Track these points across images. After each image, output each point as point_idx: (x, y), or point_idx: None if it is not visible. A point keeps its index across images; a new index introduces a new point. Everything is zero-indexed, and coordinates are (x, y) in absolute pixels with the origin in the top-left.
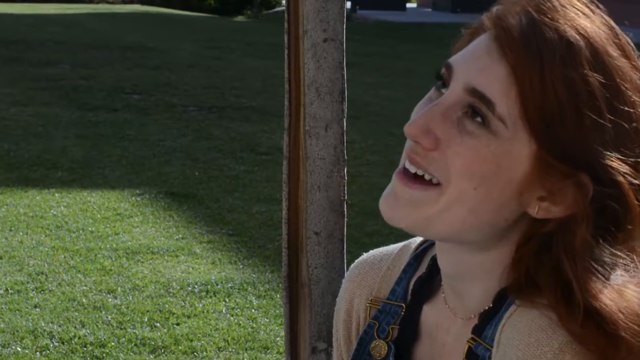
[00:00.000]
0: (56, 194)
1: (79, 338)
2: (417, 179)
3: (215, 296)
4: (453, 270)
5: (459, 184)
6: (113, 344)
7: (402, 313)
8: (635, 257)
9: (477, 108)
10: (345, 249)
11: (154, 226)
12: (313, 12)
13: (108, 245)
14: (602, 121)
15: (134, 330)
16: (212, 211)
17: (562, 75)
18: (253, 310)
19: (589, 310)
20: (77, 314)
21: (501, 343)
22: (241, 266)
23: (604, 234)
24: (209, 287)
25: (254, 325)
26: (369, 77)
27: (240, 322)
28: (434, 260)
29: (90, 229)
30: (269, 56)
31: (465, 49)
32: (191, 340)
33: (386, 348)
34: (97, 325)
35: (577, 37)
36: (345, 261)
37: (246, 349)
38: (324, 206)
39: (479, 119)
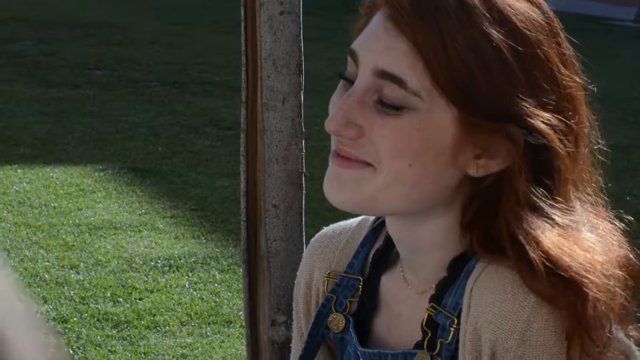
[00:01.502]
0: (18, 170)
1: (42, 314)
2: (352, 159)
3: (178, 271)
4: (406, 244)
5: (393, 165)
6: (75, 319)
7: (360, 286)
8: (579, 204)
9: (390, 89)
10: (304, 222)
11: (116, 202)
12: None
13: (71, 221)
14: (511, 72)
15: (97, 306)
16: (175, 186)
17: (462, 37)
18: (216, 285)
19: (549, 266)
20: (39, 289)
21: (472, 306)
22: (204, 241)
23: (544, 183)
24: (172, 262)
25: (217, 300)
26: (331, 52)
27: (203, 296)
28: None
29: (52, 204)
30: (232, 32)
31: (365, 30)
32: (154, 315)
33: (344, 321)
34: (59, 301)
35: None
36: (304, 234)
37: (209, 323)
38: (282, 179)
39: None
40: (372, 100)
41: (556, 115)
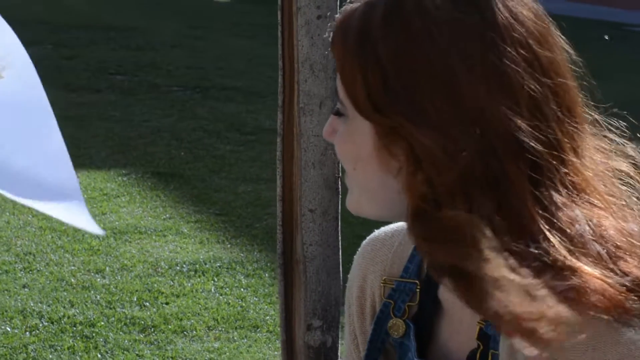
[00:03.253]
0: None
1: (68, 317)
2: None
3: (203, 275)
4: None
5: (346, 169)
6: (102, 323)
7: (417, 290)
8: None
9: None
10: (339, 226)
11: (141, 206)
12: None
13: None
14: (391, 84)
15: (123, 310)
16: (199, 191)
17: (354, 50)
18: (242, 290)
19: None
20: (65, 293)
21: None
22: (229, 245)
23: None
24: (197, 266)
25: (243, 305)
26: None
27: (230, 301)
28: None
29: None
30: (252, 36)
31: None
32: (180, 320)
33: (404, 326)
34: (86, 305)
35: (366, 8)
36: (339, 238)
37: (236, 328)
38: (318, 183)
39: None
40: (334, 112)
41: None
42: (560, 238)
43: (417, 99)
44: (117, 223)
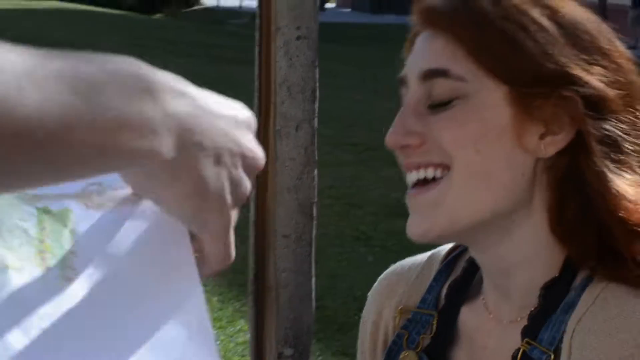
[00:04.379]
0: None
1: None
2: (425, 183)
3: None
4: (493, 265)
5: (461, 156)
6: None
7: (434, 323)
8: None
9: (437, 85)
10: (313, 253)
11: None
12: (287, 8)
13: None
14: (551, 35)
15: None
16: None
17: (494, 11)
18: None
19: None
20: None
21: (573, 347)
22: None
23: (614, 148)
24: None
25: None
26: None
27: None
28: (469, 263)
29: None
30: (189, 54)
31: (410, 55)
32: None
33: (416, 359)
34: None
35: None
36: (313, 265)
37: None
38: (293, 208)
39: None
40: (425, 107)
41: (607, 74)
42: None
43: (581, 50)
44: None
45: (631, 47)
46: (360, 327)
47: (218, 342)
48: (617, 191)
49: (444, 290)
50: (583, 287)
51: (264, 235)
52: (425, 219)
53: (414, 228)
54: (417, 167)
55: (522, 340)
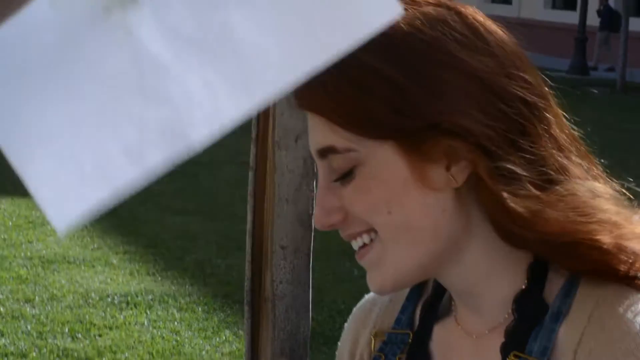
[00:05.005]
0: None
1: None
2: (365, 246)
3: (136, 308)
4: (458, 288)
5: (378, 221)
6: (34, 354)
7: (410, 341)
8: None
9: (334, 160)
10: (311, 264)
11: (67, 235)
12: None
13: (22, 254)
14: (401, 84)
15: (55, 341)
16: (126, 222)
17: (344, 79)
18: (176, 323)
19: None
20: None
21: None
22: (160, 278)
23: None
24: (128, 298)
25: (178, 339)
26: None
27: (164, 334)
28: (438, 282)
29: (2, 236)
30: None
31: None
32: (115, 352)
33: None
34: (16, 335)
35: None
36: (310, 276)
37: None
38: (291, 220)
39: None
40: (333, 180)
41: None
42: None
43: (437, 88)
44: (44, 252)
45: (592, 69)
46: (337, 357)
47: (204, 353)
48: (515, 212)
49: (418, 311)
50: (567, 293)
51: (261, 246)
52: (376, 276)
53: (371, 284)
54: (353, 238)
55: (505, 355)
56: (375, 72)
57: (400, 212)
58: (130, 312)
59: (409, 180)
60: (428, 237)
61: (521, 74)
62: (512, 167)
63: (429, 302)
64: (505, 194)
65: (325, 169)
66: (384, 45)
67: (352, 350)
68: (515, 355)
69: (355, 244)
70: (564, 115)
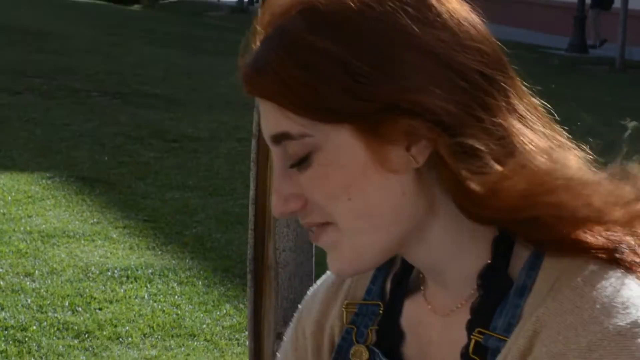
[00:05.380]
0: None
1: None
2: (319, 227)
3: (136, 282)
4: (423, 265)
5: (337, 209)
6: (35, 327)
7: (381, 312)
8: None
9: (289, 146)
10: None
11: (67, 210)
12: None
13: (22, 228)
14: (353, 65)
15: (55, 315)
16: (125, 197)
17: (292, 63)
18: (176, 297)
19: None
20: None
21: (529, 322)
22: (160, 252)
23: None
24: (129, 272)
25: (179, 312)
26: None
27: (164, 308)
28: None
29: (1, 211)
30: (168, 45)
31: None
32: (115, 326)
33: (367, 353)
34: (16, 309)
35: (277, 35)
36: (314, 245)
37: (172, 336)
38: None
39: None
40: (289, 167)
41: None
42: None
43: (391, 67)
44: (44, 226)
45: (592, 47)
46: (295, 324)
47: (204, 326)
48: (473, 191)
49: (388, 282)
50: (532, 266)
51: (264, 214)
52: (335, 259)
53: (331, 267)
54: (312, 226)
55: (470, 332)
56: (325, 53)
57: (361, 198)
58: (131, 285)
59: (368, 164)
60: (389, 221)
61: (477, 44)
62: (472, 143)
63: (398, 275)
64: (464, 172)
65: (281, 155)
66: (333, 25)
67: (319, 320)
68: (479, 332)
69: (313, 235)
70: (523, 84)
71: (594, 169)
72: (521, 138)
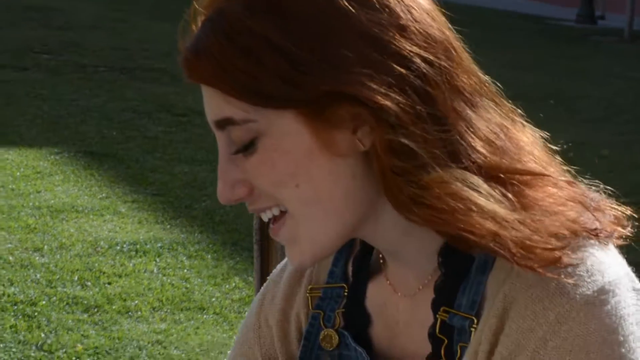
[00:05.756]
0: None
1: (9, 296)
2: (274, 220)
3: (145, 256)
4: (381, 247)
5: (286, 195)
6: (44, 302)
7: (345, 294)
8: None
9: (232, 132)
10: None
11: (75, 185)
12: None
13: (30, 203)
14: (292, 53)
15: (65, 289)
16: (134, 171)
17: (231, 48)
18: (185, 271)
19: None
20: (4, 271)
21: (495, 300)
22: (169, 226)
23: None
24: (137, 246)
25: (188, 286)
26: None
27: (173, 282)
28: None
29: (10, 186)
30: (173, 20)
31: None
32: (124, 300)
33: (337, 336)
34: (26, 284)
35: (215, 19)
36: None
37: (182, 309)
38: None
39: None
40: (233, 153)
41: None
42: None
43: (329, 54)
44: (52, 201)
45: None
46: (256, 311)
47: (213, 299)
48: (396, 194)
49: (350, 264)
50: None
51: None
52: (294, 253)
53: (290, 260)
54: (261, 211)
55: (435, 311)
56: (264, 39)
57: (308, 184)
58: (140, 260)
59: (313, 148)
60: (341, 206)
61: (419, 26)
62: (406, 142)
63: (359, 257)
64: (392, 172)
65: (225, 140)
66: (271, 10)
67: (284, 309)
68: (444, 311)
69: (265, 216)
70: (475, 59)
71: (547, 148)
72: (463, 127)
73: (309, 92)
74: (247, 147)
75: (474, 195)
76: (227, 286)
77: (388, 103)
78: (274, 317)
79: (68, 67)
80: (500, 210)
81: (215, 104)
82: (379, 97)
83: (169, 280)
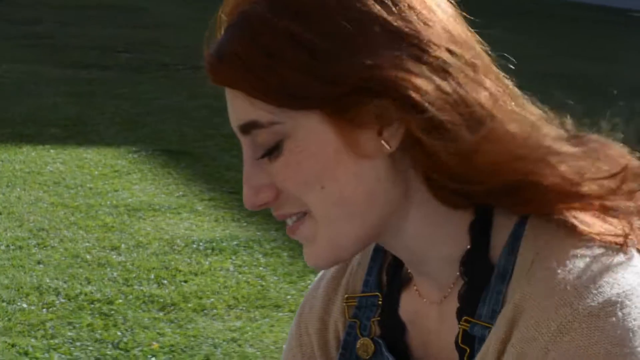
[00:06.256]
0: (51, 150)
1: (86, 295)
2: (289, 216)
3: (221, 254)
4: (405, 256)
5: (312, 199)
6: (121, 300)
7: (380, 302)
8: None
9: (258, 136)
10: None
11: (153, 183)
12: None
13: (108, 202)
14: (318, 49)
15: (141, 287)
16: (211, 169)
17: (256, 50)
18: (261, 268)
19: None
20: (81, 270)
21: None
22: (245, 224)
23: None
24: (214, 244)
25: (263, 284)
26: None
27: (249, 280)
28: None
29: (88, 185)
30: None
31: None
32: (200, 298)
33: (372, 345)
34: (103, 282)
35: (238, 23)
36: None
37: (257, 307)
38: None
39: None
40: (259, 157)
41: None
42: None
43: (355, 45)
44: (130, 200)
45: None
46: (298, 320)
47: (289, 297)
48: (448, 165)
49: (384, 272)
50: (511, 250)
51: None
52: (311, 252)
53: (307, 259)
54: (286, 217)
55: (459, 320)
56: (289, 36)
57: (334, 186)
58: (216, 258)
59: (340, 150)
60: (364, 209)
61: (443, 24)
62: (442, 117)
63: (392, 265)
64: (439, 148)
65: (250, 145)
66: (296, 6)
67: (322, 317)
68: (466, 321)
69: (290, 221)
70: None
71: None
72: (488, 100)
73: (336, 87)
74: (273, 151)
75: (535, 135)
76: (302, 284)
77: (415, 82)
78: (313, 326)
79: (150, 66)
80: (564, 146)
81: (240, 108)
82: (405, 79)
83: (244, 278)
